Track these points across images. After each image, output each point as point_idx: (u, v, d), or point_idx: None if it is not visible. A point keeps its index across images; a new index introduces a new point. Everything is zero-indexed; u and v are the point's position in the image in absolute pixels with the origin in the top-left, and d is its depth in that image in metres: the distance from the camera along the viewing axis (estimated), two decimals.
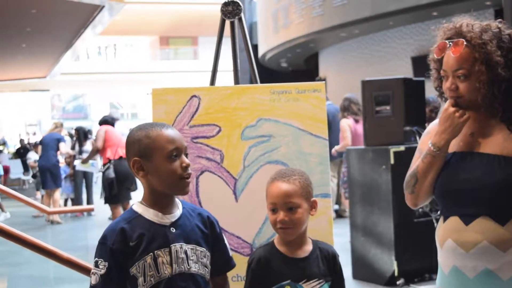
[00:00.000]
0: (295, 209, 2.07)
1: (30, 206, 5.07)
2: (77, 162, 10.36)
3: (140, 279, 1.89)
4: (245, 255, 2.54)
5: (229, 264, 2.14)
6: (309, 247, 2.15)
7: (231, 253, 2.15)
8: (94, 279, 1.91)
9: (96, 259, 1.91)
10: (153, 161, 1.94)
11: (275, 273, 2.09)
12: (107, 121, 8.65)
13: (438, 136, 2.08)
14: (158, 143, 1.94)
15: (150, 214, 1.96)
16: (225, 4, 2.90)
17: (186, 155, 1.99)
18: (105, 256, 1.90)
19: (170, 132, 1.98)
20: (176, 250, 1.93)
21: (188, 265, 1.94)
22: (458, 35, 2.07)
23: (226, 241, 2.14)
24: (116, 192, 7.94)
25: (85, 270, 2.99)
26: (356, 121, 7.94)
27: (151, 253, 1.90)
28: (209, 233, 2.04)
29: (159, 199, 1.97)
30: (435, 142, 2.08)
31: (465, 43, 2.02)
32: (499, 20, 2.10)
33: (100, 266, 1.89)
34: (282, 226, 2.07)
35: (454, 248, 2.04)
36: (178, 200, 2.05)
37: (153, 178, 1.95)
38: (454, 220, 2.06)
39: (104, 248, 1.91)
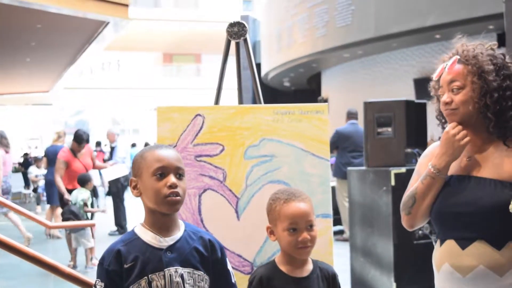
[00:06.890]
0: (313, 227, 2.11)
1: (32, 220, 5.09)
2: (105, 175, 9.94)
3: None
4: (246, 274, 2.55)
5: None
6: (309, 267, 2.16)
7: (233, 279, 2.12)
8: None
9: (95, 279, 1.97)
10: (142, 179, 1.97)
11: None
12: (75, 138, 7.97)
13: (438, 158, 2.11)
14: (147, 162, 1.97)
15: (148, 237, 1.97)
16: (231, 25, 2.93)
17: (179, 175, 1.97)
18: (102, 276, 1.95)
19: (162, 151, 1.99)
20: (170, 274, 1.93)
21: None
22: (455, 55, 2.15)
23: (229, 268, 2.11)
24: None
25: (86, 285, 3.01)
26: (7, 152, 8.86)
27: (145, 277, 1.92)
28: (209, 256, 2.03)
29: (157, 220, 1.98)
30: (435, 164, 2.11)
31: (458, 57, 2.11)
32: (494, 43, 2.16)
33: (97, 286, 1.94)
34: (303, 245, 2.08)
35: (451, 272, 2.06)
36: (181, 222, 2.05)
37: (144, 196, 1.98)
38: (450, 244, 2.08)
39: (101, 268, 1.96)
